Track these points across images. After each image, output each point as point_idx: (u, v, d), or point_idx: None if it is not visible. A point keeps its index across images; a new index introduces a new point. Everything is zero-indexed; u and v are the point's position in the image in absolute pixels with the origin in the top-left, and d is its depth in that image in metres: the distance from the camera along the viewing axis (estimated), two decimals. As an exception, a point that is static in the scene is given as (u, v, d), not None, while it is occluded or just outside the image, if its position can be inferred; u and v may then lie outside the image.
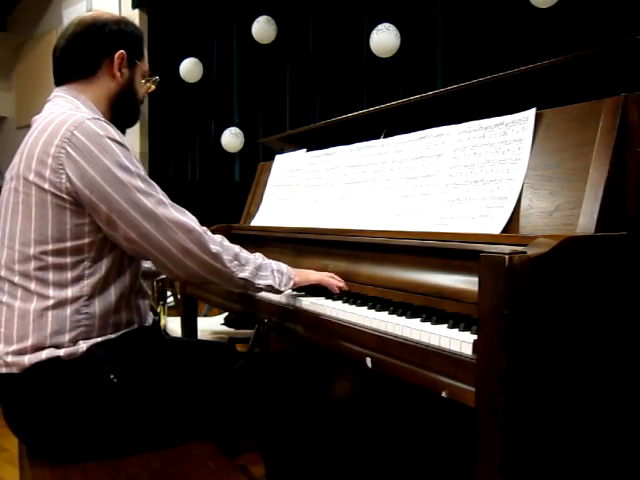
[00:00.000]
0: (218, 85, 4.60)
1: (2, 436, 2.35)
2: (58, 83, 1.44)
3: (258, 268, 1.42)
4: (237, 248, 1.41)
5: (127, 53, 1.43)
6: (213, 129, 4.63)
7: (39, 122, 1.34)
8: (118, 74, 1.43)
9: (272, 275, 1.45)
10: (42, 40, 6.34)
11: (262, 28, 3.91)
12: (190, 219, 1.34)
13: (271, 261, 1.48)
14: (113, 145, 1.28)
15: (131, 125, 1.54)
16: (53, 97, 1.42)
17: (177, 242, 1.30)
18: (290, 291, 1.57)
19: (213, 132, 4.62)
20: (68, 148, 1.25)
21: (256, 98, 4.32)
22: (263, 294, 1.62)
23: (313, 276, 1.54)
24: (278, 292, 1.49)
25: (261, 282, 1.43)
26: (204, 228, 1.36)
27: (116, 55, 1.42)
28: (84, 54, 1.41)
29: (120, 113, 1.47)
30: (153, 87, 1.56)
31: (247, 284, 1.42)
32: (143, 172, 1.33)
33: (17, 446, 1.42)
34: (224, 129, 4.33)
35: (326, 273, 1.56)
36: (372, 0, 3.49)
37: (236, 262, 1.38)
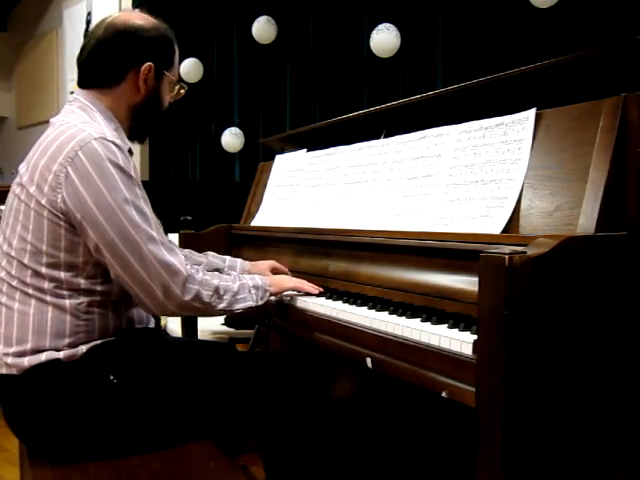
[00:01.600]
0: (218, 85, 4.60)
1: (2, 436, 2.35)
2: (81, 85, 1.42)
3: (236, 293, 1.40)
4: (216, 279, 1.37)
5: (155, 64, 1.39)
6: (213, 129, 4.63)
7: (50, 131, 1.33)
8: (143, 86, 1.39)
9: (250, 294, 1.43)
10: (42, 40, 6.35)
11: (262, 28, 3.91)
12: (177, 260, 1.29)
13: (246, 277, 1.46)
14: (114, 171, 1.24)
15: (153, 132, 1.51)
16: (73, 100, 1.40)
17: (161, 283, 1.26)
18: (291, 292, 1.57)
19: (213, 132, 4.62)
20: (69, 168, 1.23)
21: (256, 98, 4.32)
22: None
23: (288, 284, 1.54)
24: (256, 307, 1.47)
25: (240, 306, 1.41)
26: (188, 266, 1.33)
27: (142, 68, 1.38)
28: (110, 63, 1.37)
29: (141, 122, 1.44)
30: (182, 92, 1.52)
31: (226, 312, 1.42)
32: (142, 203, 1.29)
33: (17, 446, 1.42)
34: (224, 129, 4.33)
35: (300, 280, 1.57)
36: (372, 0, 3.49)
37: (215, 296, 1.35)
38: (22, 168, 1.33)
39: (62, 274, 1.27)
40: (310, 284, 1.56)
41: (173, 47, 1.46)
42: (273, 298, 1.55)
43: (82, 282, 1.29)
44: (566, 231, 1.12)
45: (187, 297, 1.29)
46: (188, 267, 1.32)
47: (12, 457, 2.40)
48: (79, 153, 1.24)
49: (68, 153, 1.24)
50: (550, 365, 0.98)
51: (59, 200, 1.24)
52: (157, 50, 1.40)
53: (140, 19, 1.41)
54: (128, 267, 1.25)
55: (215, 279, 1.37)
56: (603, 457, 1.13)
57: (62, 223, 1.25)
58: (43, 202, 1.25)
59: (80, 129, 1.28)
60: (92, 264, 1.29)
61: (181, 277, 1.28)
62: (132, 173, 1.28)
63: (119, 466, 1.27)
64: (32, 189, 1.26)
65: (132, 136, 1.46)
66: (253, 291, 1.44)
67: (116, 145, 1.28)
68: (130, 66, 1.38)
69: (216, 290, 1.35)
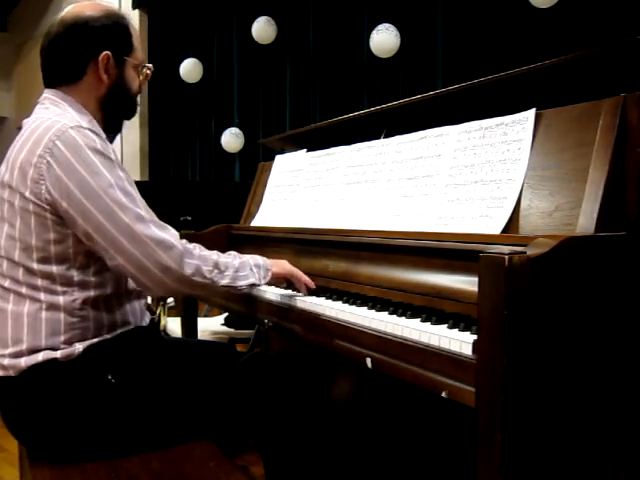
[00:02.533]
0: (218, 85, 4.60)
1: (2, 436, 2.34)
2: (47, 85, 1.41)
3: (237, 269, 1.39)
4: (215, 255, 1.36)
5: (113, 52, 1.37)
6: (213, 129, 4.64)
7: (26, 128, 1.33)
8: (105, 76, 1.37)
9: (252, 272, 1.42)
10: (42, 40, 6.34)
11: (262, 28, 3.91)
12: (170, 235, 1.29)
13: (247, 256, 1.45)
14: (93, 156, 1.25)
15: (128, 118, 1.49)
16: (43, 99, 1.39)
17: (155, 260, 1.25)
18: (290, 292, 1.57)
19: (213, 132, 4.62)
20: (49, 158, 1.23)
21: (256, 98, 4.32)
22: (262, 295, 1.62)
23: (288, 265, 1.54)
24: (258, 286, 1.48)
25: (243, 283, 1.40)
26: (184, 241, 1.32)
27: (100, 58, 1.36)
28: (67, 60, 1.36)
29: (112, 111, 1.43)
30: (149, 73, 1.49)
31: (229, 289, 1.39)
32: (127, 183, 1.28)
33: (17, 446, 1.42)
34: (224, 129, 4.33)
35: (299, 271, 1.56)
36: (372, 0, 3.49)
37: (216, 271, 1.34)
38: (2, 168, 1.33)
39: (54, 268, 1.27)
40: (308, 280, 1.56)
41: (128, 31, 1.42)
42: (273, 299, 1.55)
43: (75, 274, 1.29)
44: (566, 231, 1.12)
45: (187, 271, 1.27)
46: (184, 242, 1.31)
47: (12, 457, 2.40)
48: (57, 143, 1.24)
49: (46, 144, 1.24)
50: (550, 365, 0.98)
51: (43, 191, 1.24)
52: (111, 37, 1.37)
53: (90, 9, 1.38)
54: (121, 249, 1.24)
55: (214, 255, 1.36)
56: (603, 456, 1.13)
57: (48, 215, 1.25)
58: (27, 196, 1.25)
59: (55, 121, 1.28)
60: (83, 254, 1.29)
61: (176, 251, 1.27)
62: (112, 156, 1.29)
63: (118, 466, 1.27)
64: (14, 185, 1.26)
65: (107, 127, 1.43)
66: (255, 269, 1.43)
67: (92, 132, 1.28)
68: (87, 58, 1.36)
69: (216, 265, 1.34)
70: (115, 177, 1.26)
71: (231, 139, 4.26)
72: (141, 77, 1.48)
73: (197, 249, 1.33)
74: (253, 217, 2.27)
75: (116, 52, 1.38)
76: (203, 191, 3.67)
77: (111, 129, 1.47)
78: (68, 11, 1.39)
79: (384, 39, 3.22)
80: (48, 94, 1.39)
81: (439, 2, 3.15)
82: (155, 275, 1.26)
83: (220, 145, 4.35)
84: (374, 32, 3.26)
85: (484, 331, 0.95)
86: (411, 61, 3.31)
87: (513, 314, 0.91)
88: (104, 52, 1.36)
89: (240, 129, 4.30)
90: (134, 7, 5.04)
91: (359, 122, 1.92)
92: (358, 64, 3.59)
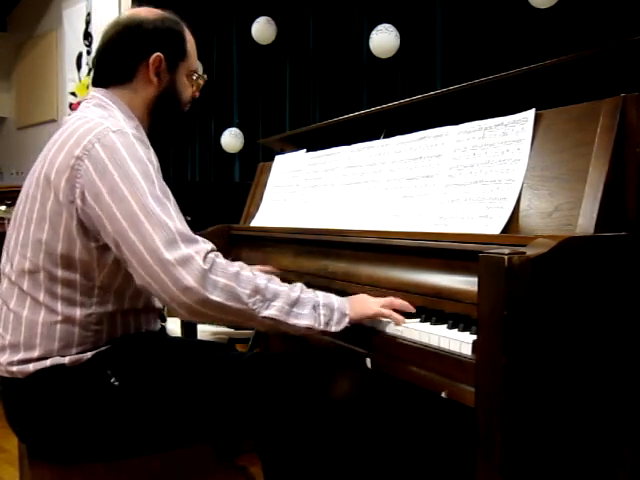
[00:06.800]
0: (218, 85, 4.60)
1: (2, 437, 2.35)
2: (97, 84, 1.39)
3: (293, 304, 1.18)
4: (264, 279, 1.17)
5: (165, 55, 1.35)
6: (213, 129, 4.63)
7: (67, 126, 1.30)
8: (155, 79, 1.36)
9: (314, 312, 1.20)
10: (42, 40, 6.34)
11: (262, 28, 3.91)
12: (195, 249, 1.14)
13: (318, 294, 1.23)
14: (131, 162, 1.19)
15: (174, 128, 1.46)
16: (90, 98, 1.37)
17: (174, 277, 1.11)
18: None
19: (213, 132, 4.62)
20: (86, 161, 1.19)
21: (256, 98, 4.32)
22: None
23: (371, 310, 1.25)
24: (325, 332, 1.23)
25: (296, 322, 1.18)
26: (214, 255, 1.15)
27: (151, 60, 1.34)
28: (118, 60, 1.35)
29: (160, 119, 1.40)
30: (201, 83, 1.47)
31: (277, 324, 1.18)
32: (160, 192, 1.20)
33: (17, 447, 1.42)
34: (224, 129, 4.33)
35: (385, 301, 1.27)
36: (372, 1, 3.49)
37: (258, 297, 1.15)
38: (37, 165, 1.30)
39: (77, 277, 1.24)
40: (398, 304, 1.27)
41: (182, 37, 1.40)
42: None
43: (97, 287, 1.26)
44: (565, 231, 1.12)
45: (210, 291, 1.11)
46: (214, 256, 1.15)
47: (12, 458, 2.40)
48: (96, 145, 1.20)
49: (85, 146, 1.20)
50: (549, 365, 0.98)
51: (77, 195, 1.20)
52: (164, 40, 1.36)
53: (145, 12, 1.38)
54: (142, 261, 1.14)
55: (261, 278, 1.17)
56: (602, 456, 1.13)
57: (75, 223, 1.21)
58: (61, 199, 1.21)
59: (97, 122, 1.25)
60: (109, 267, 1.25)
61: (195, 265, 1.11)
62: (152, 165, 1.24)
63: (119, 467, 1.27)
64: (49, 185, 1.23)
65: (152, 135, 1.39)
66: (322, 311, 1.21)
67: (135, 137, 1.24)
68: (138, 59, 1.35)
69: (258, 290, 1.15)
70: (150, 185, 1.19)
71: (231, 139, 4.25)
72: (194, 87, 1.46)
73: (235, 267, 1.16)
74: (253, 217, 2.27)
75: (169, 56, 1.37)
76: (203, 191, 3.67)
77: (155, 137, 1.41)
78: (124, 13, 1.40)
79: (384, 39, 3.22)
80: (97, 94, 1.36)
81: (438, 2, 3.15)
82: (175, 295, 1.12)
83: (220, 145, 4.35)
84: (374, 32, 3.26)
85: (484, 331, 0.95)
86: (411, 61, 3.31)
87: (513, 314, 0.91)
88: (156, 54, 1.35)
89: (240, 129, 4.30)
90: (133, 7, 5.04)
91: (359, 122, 1.92)
92: (358, 64, 3.59)
